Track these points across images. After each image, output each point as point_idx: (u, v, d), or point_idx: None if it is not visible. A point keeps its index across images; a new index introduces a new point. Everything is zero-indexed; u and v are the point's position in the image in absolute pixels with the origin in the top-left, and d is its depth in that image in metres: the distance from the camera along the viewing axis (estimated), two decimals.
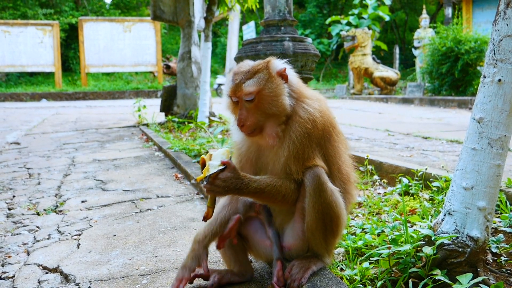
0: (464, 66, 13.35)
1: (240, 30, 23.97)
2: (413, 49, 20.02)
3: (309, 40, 4.48)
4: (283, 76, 1.93)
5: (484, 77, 1.92)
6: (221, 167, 1.81)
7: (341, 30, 23.58)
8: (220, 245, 2.03)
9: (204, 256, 1.98)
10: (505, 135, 1.87)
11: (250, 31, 21.88)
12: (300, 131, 1.88)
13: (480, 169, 1.89)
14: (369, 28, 22.28)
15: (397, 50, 24.95)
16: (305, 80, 4.40)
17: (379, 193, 3.48)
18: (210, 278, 2.06)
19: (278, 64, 1.95)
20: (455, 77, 13.66)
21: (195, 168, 4.39)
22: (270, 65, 1.93)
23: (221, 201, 2.09)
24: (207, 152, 1.96)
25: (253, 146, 2.03)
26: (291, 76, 1.98)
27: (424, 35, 18.68)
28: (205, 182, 1.81)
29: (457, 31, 13.91)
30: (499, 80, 1.86)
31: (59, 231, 3.07)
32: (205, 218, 1.89)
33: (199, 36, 11.27)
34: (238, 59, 4.45)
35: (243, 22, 27.45)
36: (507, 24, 1.83)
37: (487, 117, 1.88)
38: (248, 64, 1.97)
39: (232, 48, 21.10)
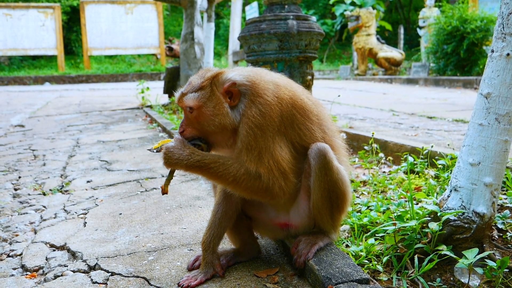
0: (470, 45, 13.18)
1: (243, 11, 23.71)
2: (418, 29, 19.75)
3: (313, 18, 4.41)
4: (232, 92, 1.86)
5: (492, 51, 1.88)
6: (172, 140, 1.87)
7: (345, 10, 23.27)
8: None
9: (216, 261, 1.99)
10: None
11: (253, 12, 21.62)
12: (250, 125, 1.80)
13: (487, 145, 1.88)
14: (374, 8, 21.98)
15: (401, 30, 24.60)
16: (309, 59, 4.35)
17: (384, 172, 3.47)
18: None
19: (226, 78, 1.86)
20: (460, 56, 13.50)
21: None
22: (216, 82, 1.87)
23: (216, 199, 2.09)
24: None
25: None
26: (241, 78, 1.87)
27: (430, 14, 18.38)
28: (155, 151, 1.87)
29: (463, 10, 13.68)
30: (508, 54, 1.83)
31: (65, 210, 3.10)
32: (162, 192, 1.90)
33: (202, 17, 11.17)
34: (242, 38, 4.41)
35: (246, 3, 27.13)
36: None
37: (494, 92, 1.86)
38: (205, 72, 1.93)
39: (235, 29, 20.90)
